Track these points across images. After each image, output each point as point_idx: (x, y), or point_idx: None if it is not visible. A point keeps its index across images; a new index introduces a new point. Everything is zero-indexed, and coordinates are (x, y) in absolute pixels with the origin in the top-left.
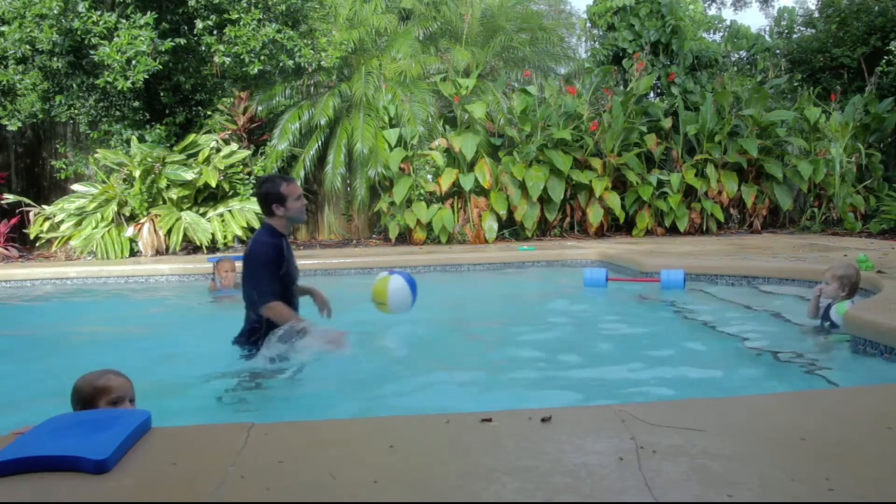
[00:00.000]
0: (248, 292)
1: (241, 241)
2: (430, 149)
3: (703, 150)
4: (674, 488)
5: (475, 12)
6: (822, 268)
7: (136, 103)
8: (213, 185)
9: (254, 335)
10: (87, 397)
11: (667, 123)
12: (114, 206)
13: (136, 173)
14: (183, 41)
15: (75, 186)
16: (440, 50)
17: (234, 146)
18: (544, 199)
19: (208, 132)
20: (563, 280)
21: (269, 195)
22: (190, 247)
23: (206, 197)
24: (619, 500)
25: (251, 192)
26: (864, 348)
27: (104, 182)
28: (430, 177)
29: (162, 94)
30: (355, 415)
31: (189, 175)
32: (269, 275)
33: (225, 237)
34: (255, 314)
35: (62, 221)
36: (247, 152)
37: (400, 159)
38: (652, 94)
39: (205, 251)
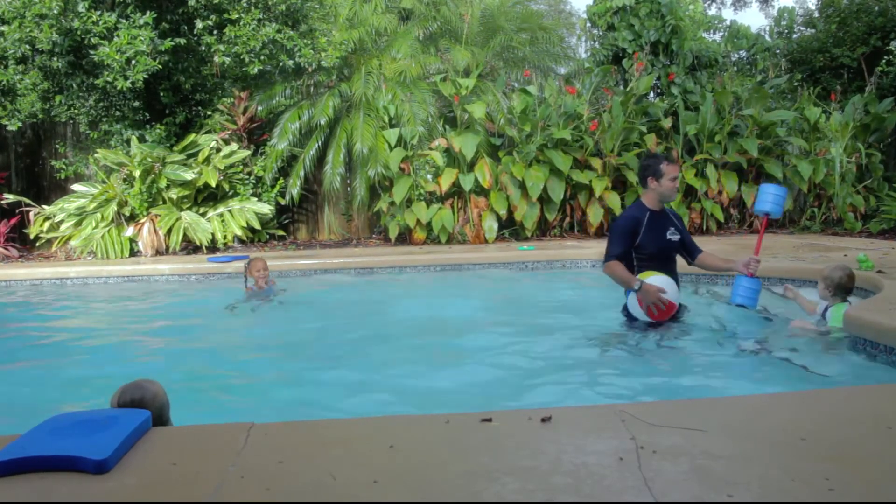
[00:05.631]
0: None
1: (241, 241)
2: (430, 149)
3: (703, 150)
4: (674, 488)
5: (475, 12)
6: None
7: (136, 103)
8: (213, 185)
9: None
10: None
11: (667, 123)
12: (114, 206)
13: (136, 173)
14: (183, 41)
15: (75, 186)
16: (440, 50)
17: (234, 146)
18: (544, 199)
19: (208, 132)
20: (563, 280)
21: (647, 168)
22: (190, 247)
23: (206, 197)
24: (619, 500)
25: (251, 191)
26: (864, 348)
27: (104, 182)
28: (430, 177)
29: (162, 94)
30: (355, 415)
31: (189, 175)
32: (616, 241)
33: (225, 237)
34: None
35: (62, 221)
36: (247, 152)
37: (400, 159)
38: (652, 94)
39: (205, 251)
